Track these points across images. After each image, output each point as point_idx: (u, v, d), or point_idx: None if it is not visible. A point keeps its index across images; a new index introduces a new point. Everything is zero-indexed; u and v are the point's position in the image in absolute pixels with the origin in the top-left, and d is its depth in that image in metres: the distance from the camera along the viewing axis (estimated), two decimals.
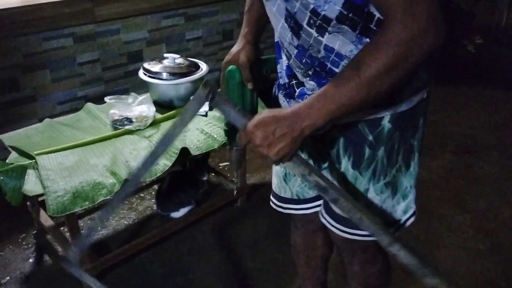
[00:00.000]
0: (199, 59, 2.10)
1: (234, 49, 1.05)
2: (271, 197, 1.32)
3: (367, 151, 1.01)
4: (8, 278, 1.82)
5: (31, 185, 1.54)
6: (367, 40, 0.86)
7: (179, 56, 2.02)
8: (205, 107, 1.91)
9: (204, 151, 1.71)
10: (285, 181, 1.24)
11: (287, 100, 1.06)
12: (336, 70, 0.92)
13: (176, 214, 2.00)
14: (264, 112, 0.82)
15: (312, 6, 0.84)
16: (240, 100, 1.02)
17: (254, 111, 1.04)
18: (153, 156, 0.86)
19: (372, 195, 1.05)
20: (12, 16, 2.11)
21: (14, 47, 2.16)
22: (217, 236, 2.03)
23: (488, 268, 1.86)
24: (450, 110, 3.21)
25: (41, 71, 2.29)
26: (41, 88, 2.32)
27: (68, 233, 1.65)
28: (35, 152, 1.61)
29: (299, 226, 1.40)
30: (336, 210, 1.09)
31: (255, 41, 1.07)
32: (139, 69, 2.00)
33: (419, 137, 1.05)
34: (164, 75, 1.90)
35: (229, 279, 1.81)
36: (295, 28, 0.91)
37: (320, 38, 0.89)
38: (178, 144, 1.66)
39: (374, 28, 0.85)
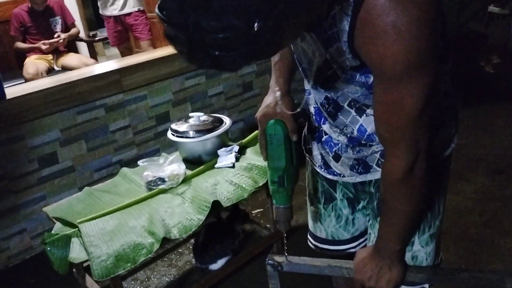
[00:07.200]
0: (222, 113, 2.22)
1: (269, 101, 0.99)
2: (308, 235, 1.33)
3: None
4: None
5: (76, 253, 1.63)
6: None
7: (203, 113, 2.13)
8: (232, 159, 1.99)
9: (234, 202, 1.77)
10: (320, 222, 1.23)
11: (317, 143, 1.09)
12: (371, 143, 0.96)
13: (214, 266, 2.04)
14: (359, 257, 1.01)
15: (352, 97, 0.89)
16: (288, 155, 0.96)
17: (295, 163, 1.00)
18: None
19: (417, 247, 1.03)
20: (46, 96, 2.30)
21: (50, 124, 2.34)
22: (257, 285, 2.04)
23: None
24: (476, 132, 3.18)
25: (77, 142, 2.45)
26: (79, 158, 2.47)
27: None
28: (78, 221, 1.71)
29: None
30: None
31: (289, 90, 1.02)
32: (167, 129, 2.11)
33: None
34: (191, 133, 2.01)
35: None
36: (333, 111, 0.94)
37: (357, 117, 0.92)
38: (209, 198, 1.73)
39: None
